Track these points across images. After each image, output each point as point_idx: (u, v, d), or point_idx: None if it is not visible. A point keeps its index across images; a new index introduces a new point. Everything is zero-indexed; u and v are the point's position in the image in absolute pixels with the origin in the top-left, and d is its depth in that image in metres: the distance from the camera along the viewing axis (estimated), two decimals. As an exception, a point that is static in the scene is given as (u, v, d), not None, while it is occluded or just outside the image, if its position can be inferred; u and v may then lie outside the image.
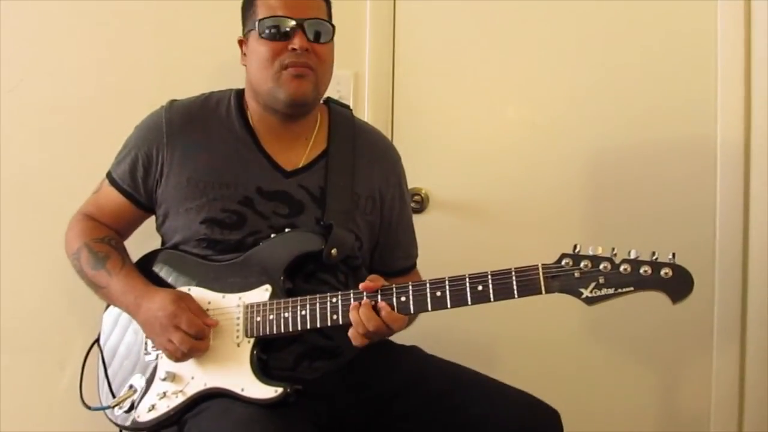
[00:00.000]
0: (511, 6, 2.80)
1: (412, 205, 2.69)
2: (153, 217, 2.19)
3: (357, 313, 1.87)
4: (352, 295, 1.90)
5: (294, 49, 2.01)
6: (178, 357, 1.94)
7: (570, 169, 2.80)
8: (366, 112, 2.74)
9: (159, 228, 2.17)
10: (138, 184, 2.13)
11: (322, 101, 2.20)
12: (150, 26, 2.64)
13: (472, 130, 2.83)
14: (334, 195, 2.10)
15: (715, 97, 2.79)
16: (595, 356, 2.82)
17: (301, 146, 2.15)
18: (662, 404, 2.84)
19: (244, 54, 2.13)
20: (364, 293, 1.88)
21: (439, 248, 2.60)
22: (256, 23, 2.04)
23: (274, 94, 2.05)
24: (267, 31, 2.02)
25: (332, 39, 2.10)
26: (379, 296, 1.87)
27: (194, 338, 1.92)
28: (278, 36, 2.02)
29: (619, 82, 2.80)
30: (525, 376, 2.07)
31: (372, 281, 1.90)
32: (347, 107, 2.30)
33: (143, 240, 2.23)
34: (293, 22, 2.02)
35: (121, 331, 2.12)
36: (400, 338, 2.01)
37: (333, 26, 2.10)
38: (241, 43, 2.14)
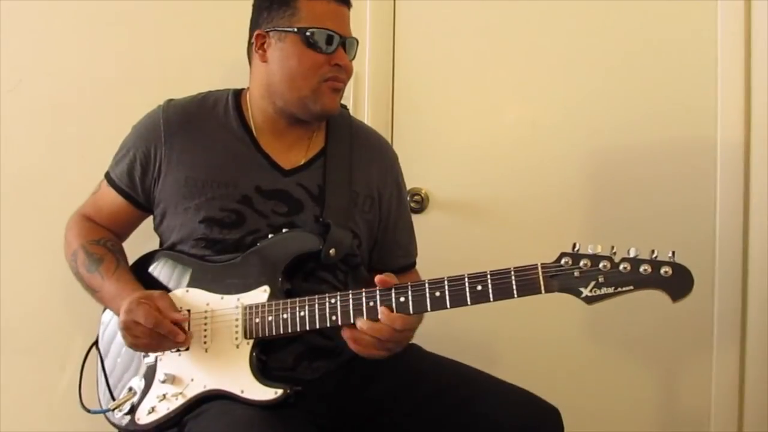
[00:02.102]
0: (511, 6, 2.80)
1: (412, 205, 2.70)
2: (151, 218, 2.19)
3: (355, 332, 1.87)
4: (351, 295, 1.89)
5: (338, 65, 2.04)
6: (152, 349, 1.95)
7: (570, 169, 2.80)
8: (366, 112, 2.74)
9: (157, 228, 2.17)
10: (136, 184, 2.13)
11: None
12: (150, 26, 2.65)
13: (472, 130, 2.83)
14: (333, 193, 2.10)
15: (715, 98, 2.78)
16: (595, 356, 2.82)
17: (299, 146, 2.15)
18: (662, 404, 2.83)
19: (262, 50, 2.08)
20: (363, 293, 1.88)
21: (439, 248, 2.60)
22: (302, 30, 2.02)
23: (307, 104, 2.05)
24: (314, 42, 2.02)
25: None
26: (378, 297, 1.87)
27: (153, 330, 1.89)
28: (325, 49, 2.03)
29: (619, 83, 2.80)
30: (525, 375, 2.06)
31: (388, 277, 1.88)
32: (344, 107, 2.30)
33: (142, 241, 2.23)
34: (338, 38, 2.04)
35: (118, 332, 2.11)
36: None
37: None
38: (259, 37, 2.08)
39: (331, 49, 2.03)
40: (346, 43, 2.06)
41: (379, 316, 1.85)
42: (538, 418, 1.94)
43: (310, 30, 2.01)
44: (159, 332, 1.89)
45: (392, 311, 1.85)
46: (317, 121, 2.14)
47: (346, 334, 1.88)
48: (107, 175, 2.18)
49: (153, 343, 1.92)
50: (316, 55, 2.02)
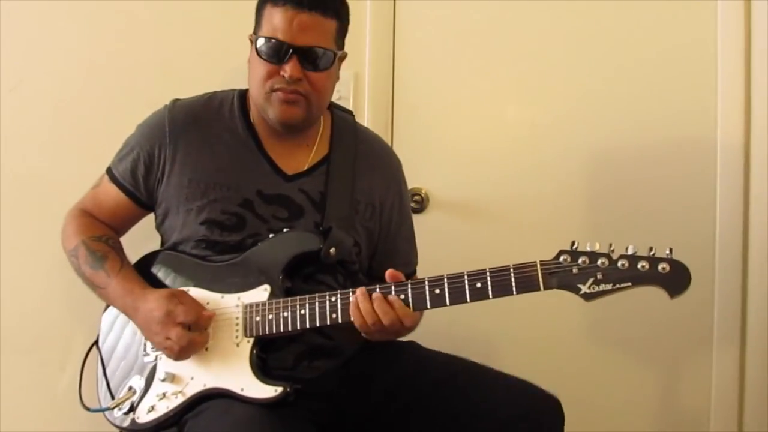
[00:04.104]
0: (511, 6, 2.80)
1: (412, 205, 2.69)
2: (152, 217, 2.19)
3: (370, 305, 1.87)
4: (351, 293, 1.90)
5: (283, 75, 1.99)
6: (177, 353, 1.93)
7: (570, 169, 2.80)
8: (366, 113, 2.74)
9: (158, 227, 2.18)
10: (139, 182, 2.12)
11: None
12: (151, 25, 2.65)
13: (472, 130, 2.83)
14: (334, 200, 2.10)
15: (715, 98, 2.78)
16: (595, 356, 2.82)
17: (303, 151, 2.15)
18: (662, 404, 2.83)
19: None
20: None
21: (439, 248, 2.60)
22: (256, 39, 2.01)
23: (265, 111, 2.05)
24: (263, 51, 1.99)
25: (332, 65, 2.05)
26: (378, 290, 1.88)
27: (192, 329, 1.92)
28: (272, 58, 1.99)
29: (619, 82, 2.80)
30: (524, 374, 2.06)
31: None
32: (350, 113, 2.30)
33: (142, 240, 2.23)
34: (289, 48, 1.97)
35: (119, 332, 2.12)
36: (400, 336, 2.01)
37: (335, 53, 2.04)
38: (250, 41, 2.08)
39: (278, 59, 1.98)
40: (300, 54, 1.98)
41: (395, 305, 1.86)
42: (539, 406, 1.94)
43: (259, 39, 1.99)
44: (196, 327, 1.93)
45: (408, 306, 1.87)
46: (281, 129, 2.09)
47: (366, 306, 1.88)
48: (109, 171, 2.17)
49: (183, 348, 1.93)
50: (265, 64, 1.99)
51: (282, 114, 2.03)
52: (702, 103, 2.79)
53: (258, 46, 2.00)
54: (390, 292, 1.87)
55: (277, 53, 1.98)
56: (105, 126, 2.52)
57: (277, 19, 1.97)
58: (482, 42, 2.81)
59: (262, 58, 1.99)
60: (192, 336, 1.92)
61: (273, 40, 1.97)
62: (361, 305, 1.88)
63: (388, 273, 1.90)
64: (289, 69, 1.97)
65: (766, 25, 2.75)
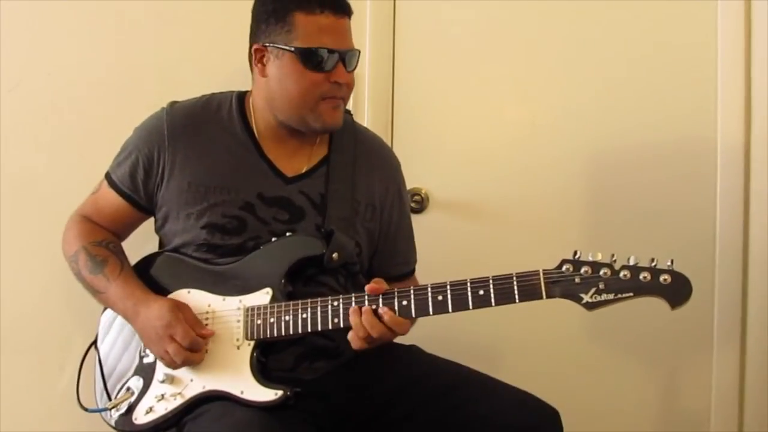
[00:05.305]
0: (511, 6, 2.79)
1: (412, 205, 2.69)
2: (152, 220, 2.19)
3: (359, 318, 1.87)
4: (353, 298, 1.90)
5: (336, 82, 2.00)
6: (174, 367, 1.95)
7: (570, 169, 2.79)
8: (366, 113, 2.73)
9: (158, 230, 2.17)
10: (138, 186, 2.12)
11: None
12: (150, 26, 2.64)
13: (472, 130, 2.82)
14: (335, 202, 2.10)
15: (715, 98, 2.77)
16: (595, 357, 2.82)
17: (302, 153, 2.14)
18: (662, 404, 2.84)
19: (261, 64, 2.06)
20: (366, 296, 1.89)
21: (439, 248, 2.61)
22: (299, 50, 1.98)
23: (307, 121, 2.04)
24: (311, 62, 1.98)
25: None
26: (380, 300, 1.88)
27: (188, 350, 1.92)
28: (322, 67, 1.99)
29: (619, 83, 2.79)
30: (525, 376, 2.07)
31: (377, 284, 1.90)
32: (348, 112, 2.29)
33: (142, 242, 2.23)
34: (337, 55, 1.99)
35: (118, 332, 2.11)
36: (400, 338, 2.00)
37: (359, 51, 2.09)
38: (258, 50, 2.06)
39: (329, 67, 1.99)
40: (346, 57, 2.02)
41: (384, 317, 1.86)
42: (538, 419, 1.94)
43: (307, 50, 1.97)
44: (192, 349, 1.93)
45: (395, 313, 1.86)
46: (320, 134, 2.13)
47: (355, 319, 1.88)
48: (108, 176, 2.17)
49: (179, 364, 1.94)
50: (313, 74, 1.99)
51: (332, 120, 2.05)
52: (702, 103, 2.79)
53: (303, 56, 1.98)
54: (393, 299, 1.87)
55: (328, 61, 1.99)
56: (105, 126, 2.51)
57: (318, 27, 1.98)
58: (482, 42, 2.81)
59: (311, 68, 1.99)
60: (188, 354, 1.92)
61: (323, 50, 1.98)
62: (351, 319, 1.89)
63: (369, 288, 1.90)
64: (341, 74, 2.00)
65: (766, 25, 2.75)
